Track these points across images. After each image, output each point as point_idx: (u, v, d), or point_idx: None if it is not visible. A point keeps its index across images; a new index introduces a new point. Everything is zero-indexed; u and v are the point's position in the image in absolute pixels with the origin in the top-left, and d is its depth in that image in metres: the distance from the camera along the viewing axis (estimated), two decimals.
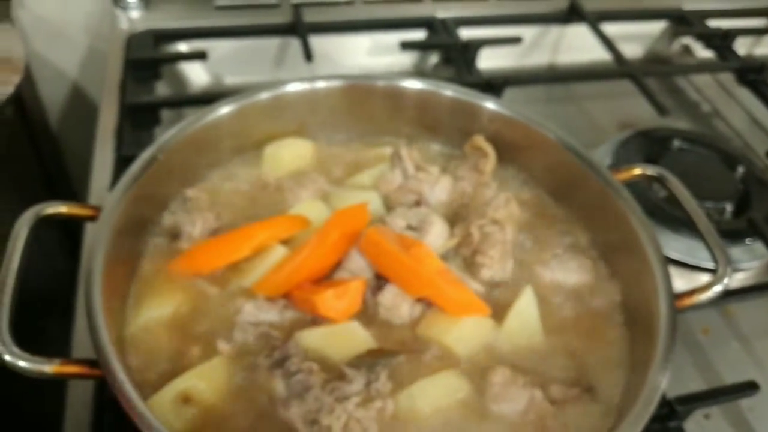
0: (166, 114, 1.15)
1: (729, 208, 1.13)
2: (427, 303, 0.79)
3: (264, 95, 0.92)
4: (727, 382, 0.92)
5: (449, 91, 0.97)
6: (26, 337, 0.67)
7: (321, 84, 0.95)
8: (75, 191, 1.56)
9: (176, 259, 0.82)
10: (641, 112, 1.29)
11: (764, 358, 0.97)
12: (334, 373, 0.71)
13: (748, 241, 1.07)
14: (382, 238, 0.78)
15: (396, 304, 0.78)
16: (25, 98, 1.28)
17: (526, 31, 1.42)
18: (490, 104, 0.95)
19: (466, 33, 1.36)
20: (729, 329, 1.01)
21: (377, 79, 0.97)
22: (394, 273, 0.78)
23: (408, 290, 0.78)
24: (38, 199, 0.77)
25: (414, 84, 0.97)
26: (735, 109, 1.45)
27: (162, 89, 1.24)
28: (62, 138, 1.54)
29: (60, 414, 0.77)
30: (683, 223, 1.04)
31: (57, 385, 0.79)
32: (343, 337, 0.75)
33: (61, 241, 1.35)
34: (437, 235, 0.84)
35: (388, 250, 0.78)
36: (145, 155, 0.82)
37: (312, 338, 0.74)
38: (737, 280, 1.06)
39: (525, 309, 0.80)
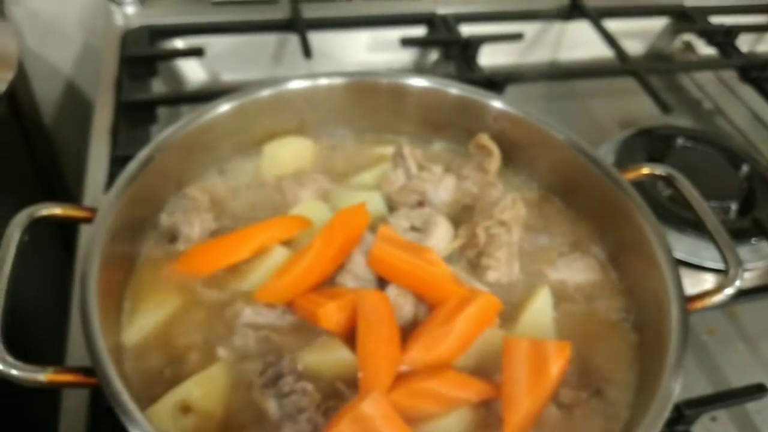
0: (162, 112, 1.13)
1: (734, 207, 1.12)
2: (430, 303, 0.77)
3: (265, 92, 0.90)
4: (732, 384, 0.91)
5: (454, 89, 0.95)
6: (21, 344, 0.65)
7: (323, 81, 0.93)
8: (70, 190, 1.54)
9: (174, 262, 0.80)
10: (643, 110, 1.28)
11: None
12: (330, 390, 0.69)
13: (753, 240, 1.06)
14: (390, 255, 0.76)
15: (399, 305, 0.76)
16: (18, 95, 1.26)
17: (528, 28, 1.40)
18: (495, 103, 0.94)
19: (466, 29, 1.34)
20: (734, 330, 1.00)
21: (381, 77, 0.96)
22: (408, 284, 0.76)
23: (423, 297, 0.76)
24: (32, 198, 0.75)
25: (418, 81, 0.95)
26: (738, 106, 1.44)
27: (158, 86, 1.22)
28: (56, 136, 1.52)
29: (54, 423, 0.75)
30: (687, 223, 1.03)
31: (51, 393, 0.77)
32: (341, 355, 0.72)
33: (56, 244, 1.33)
34: (441, 237, 0.82)
35: (397, 267, 0.76)
36: (142, 155, 0.80)
37: (309, 356, 0.72)
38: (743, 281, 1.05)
39: (540, 310, 0.78)
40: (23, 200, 0.74)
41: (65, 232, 1.30)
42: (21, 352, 0.63)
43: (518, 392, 0.68)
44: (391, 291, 0.76)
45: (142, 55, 1.20)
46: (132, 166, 0.78)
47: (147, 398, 0.67)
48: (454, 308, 0.72)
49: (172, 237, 0.82)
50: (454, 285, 0.75)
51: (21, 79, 1.28)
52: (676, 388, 0.67)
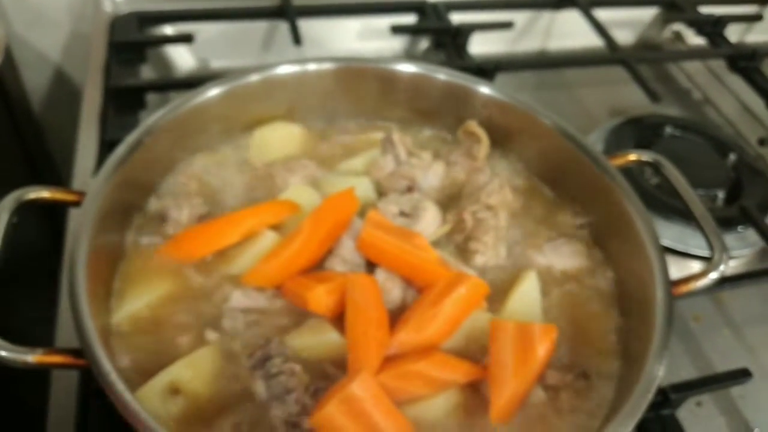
0: (151, 98, 1.13)
1: (721, 195, 1.13)
2: (418, 287, 0.78)
3: (254, 77, 0.90)
4: (718, 369, 0.92)
5: (443, 75, 0.95)
6: (8, 328, 0.65)
7: (312, 66, 0.93)
8: (59, 176, 1.53)
9: (163, 246, 0.80)
10: (632, 99, 1.29)
11: (755, 346, 0.97)
12: (319, 372, 0.70)
13: (740, 228, 1.07)
14: (379, 240, 0.76)
15: (387, 288, 0.76)
16: (6, 81, 1.25)
17: (518, 16, 1.40)
18: (484, 89, 0.94)
19: (457, 17, 1.34)
20: (721, 317, 1.01)
21: (369, 62, 0.96)
22: (396, 269, 0.77)
23: (412, 282, 0.77)
24: (21, 184, 0.74)
25: (407, 67, 0.95)
26: (726, 96, 1.45)
27: (147, 73, 1.22)
28: (45, 122, 1.50)
29: (44, 405, 0.75)
30: (674, 210, 1.04)
31: (42, 379, 0.77)
32: (330, 337, 0.73)
33: (44, 229, 1.32)
34: (430, 222, 0.83)
35: (386, 251, 0.76)
36: (131, 138, 0.80)
37: (298, 339, 0.72)
38: (729, 267, 1.05)
39: (527, 294, 0.79)
40: (12, 186, 0.74)
41: (54, 216, 1.30)
42: (11, 336, 0.63)
43: (504, 374, 0.68)
44: (380, 275, 0.76)
45: (131, 41, 1.20)
46: (120, 150, 0.78)
47: (136, 381, 0.67)
48: (442, 291, 0.73)
49: (161, 221, 0.82)
50: (441, 269, 0.76)
51: (8, 65, 1.27)
52: (660, 371, 0.68)
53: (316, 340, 0.72)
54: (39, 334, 0.79)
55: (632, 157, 0.88)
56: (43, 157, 1.50)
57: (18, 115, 1.34)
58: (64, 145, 1.36)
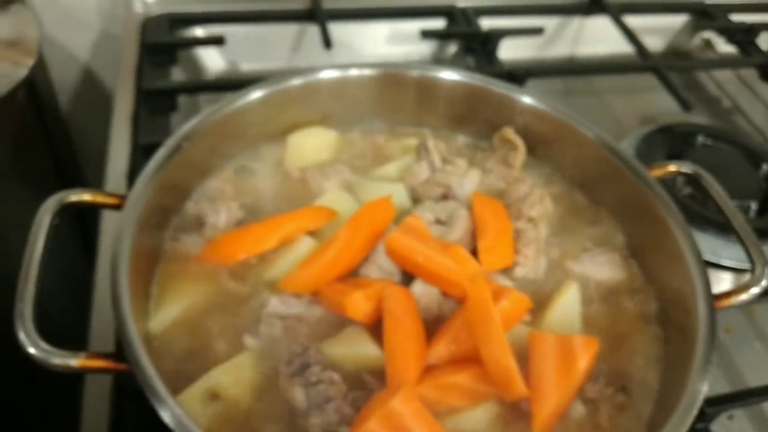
0: (181, 100, 1.13)
1: (754, 206, 1.11)
2: (456, 299, 0.77)
3: (295, 81, 0.90)
4: (749, 382, 0.91)
5: (482, 83, 0.94)
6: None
7: (353, 72, 0.93)
8: (85, 177, 1.54)
9: (200, 250, 0.80)
10: (661, 107, 1.28)
11: None
12: (356, 381, 0.70)
13: None
14: (404, 247, 0.75)
15: (424, 299, 0.75)
16: (36, 82, 1.25)
17: (548, 22, 1.40)
18: (524, 97, 0.93)
19: (486, 23, 1.34)
20: (752, 329, 1.00)
21: (411, 69, 0.95)
22: (422, 277, 0.76)
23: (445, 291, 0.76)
24: (48, 184, 0.75)
25: (449, 74, 0.95)
26: (757, 105, 1.44)
27: (177, 75, 1.22)
28: (72, 123, 1.51)
29: (77, 408, 0.75)
30: (707, 221, 1.03)
31: (74, 379, 0.77)
32: (367, 347, 0.72)
33: (73, 238, 1.33)
34: (466, 230, 0.82)
35: (410, 258, 0.75)
36: (171, 142, 0.80)
37: (335, 348, 0.72)
38: None
39: (568, 305, 0.78)
40: (39, 186, 0.75)
41: (83, 228, 1.31)
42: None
43: (547, 387, 0.68)
44: (417, 285, 0.76)
45: (163, 43, 1.20)
46: (160, 154, 0.78)
47: (173, 386, 0.67)
48: None
49: (198, 225, 0.82)
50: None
51: (39, 65, 1.28)
52: (704, 387, 0.67)
53: (353, 349, 0.72)
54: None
55: (672, 168, 0.87)
56: (70, 158, 1.51)
57: (47, 116, 1.34)
58: (92, 146, 1.37)
